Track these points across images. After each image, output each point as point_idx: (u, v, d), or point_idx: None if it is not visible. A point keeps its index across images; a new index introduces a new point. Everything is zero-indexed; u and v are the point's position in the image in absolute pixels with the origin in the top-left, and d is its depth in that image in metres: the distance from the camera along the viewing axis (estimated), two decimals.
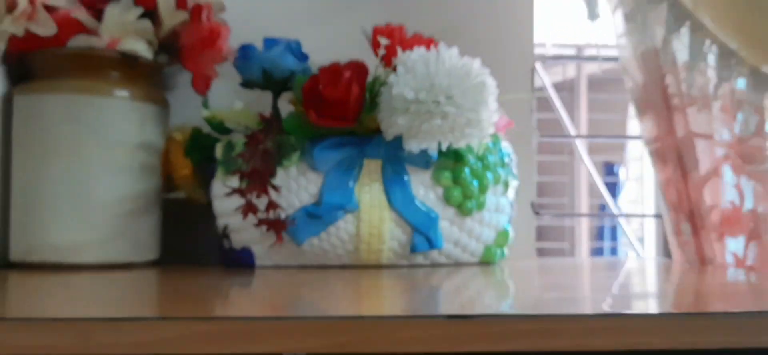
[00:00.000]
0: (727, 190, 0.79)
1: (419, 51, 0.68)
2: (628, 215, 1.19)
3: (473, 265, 0.77)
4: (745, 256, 0.78)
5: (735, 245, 0.79)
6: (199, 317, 0.41)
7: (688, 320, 0.43)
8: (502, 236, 0.78)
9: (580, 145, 1.44)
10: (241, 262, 0.74)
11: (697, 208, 0.78)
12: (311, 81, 0.69)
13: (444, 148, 0.67)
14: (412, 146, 0.67)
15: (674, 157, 0.78)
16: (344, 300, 0.55)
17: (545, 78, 1.43)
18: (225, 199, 0.71)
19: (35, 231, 0.72)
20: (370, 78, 0.71)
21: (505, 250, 0.80)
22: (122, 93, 0.75)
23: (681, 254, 0.80)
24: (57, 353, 0.37)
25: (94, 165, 0.73)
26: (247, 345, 0.38)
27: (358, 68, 0.69)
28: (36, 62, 0.75)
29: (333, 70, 0.69)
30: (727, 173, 0.79)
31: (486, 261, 0.78)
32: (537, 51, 0.94)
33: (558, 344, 0.40)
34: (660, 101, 0.78)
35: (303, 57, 0.73)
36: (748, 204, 0.78)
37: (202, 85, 0.79)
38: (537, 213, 0.91)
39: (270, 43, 0.73)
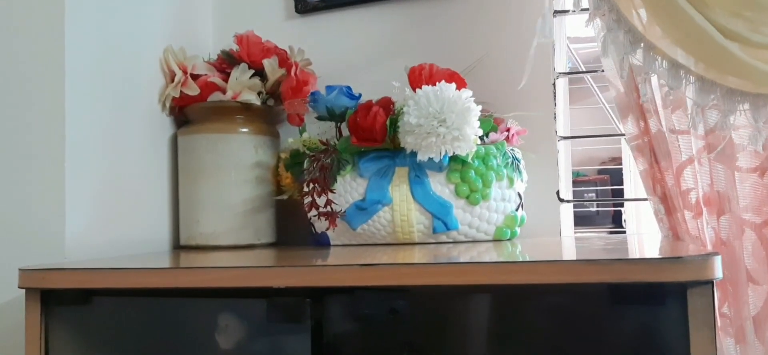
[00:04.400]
0: (703, 175, 0.95)
1: (427, 88, 0.94)
2: (634, 200, 1.32)
3: (488, 241, 1.01)
4: (718, 229, 0.93)
5: (711, 221, 0.94)
6: (285, 265, 0.70)
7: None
8: (510, 219, 1.01)
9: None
10: (322, 242, 1.05)
11: (670, 192, 0.95)
12: (354, 114, 0.99)
13: (441, 156, 0.93)
14: (421, 156, 0.94)
15: (648, 151, 0.96)
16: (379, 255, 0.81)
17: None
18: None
19: (192, 225, 1.10)
20: (398, 107, 0.99)
21: (517, 230, 1.02)
22: (244, 130, 1.11)
23: (660, 230, 0.97)
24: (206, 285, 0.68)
25: (227, 180, 1.09)
26: (324, 280, 0.65)
27: (385, 103, 0.97)
28: (189, 113, 1.13)
29: (366, 106, 0.98)
30: (704, 160, 0.95)
31: (498, 238, 1.01)
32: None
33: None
34: (635, 106, 0.96)
35: (353, 97, 1.03)
36: (718, 186, 0.93)
37: (295, 120, 1.12)
38: (561, 200, 1.11)
39: (330, 89, 1.03)
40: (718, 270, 0.57)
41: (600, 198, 3.03)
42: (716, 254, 0.58)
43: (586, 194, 3.14)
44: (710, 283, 0.58)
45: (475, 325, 0.67)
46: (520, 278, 0.61)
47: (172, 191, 1.13)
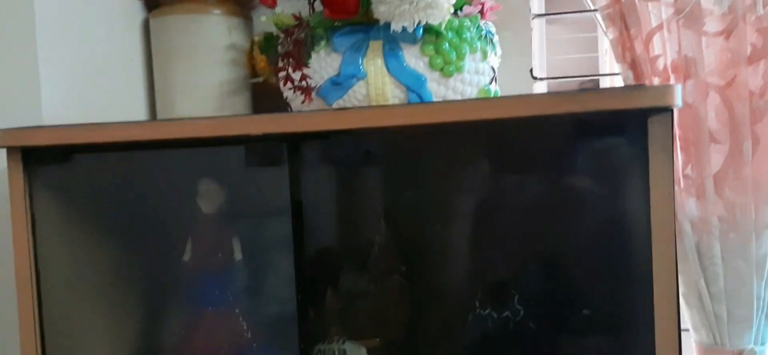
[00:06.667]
0: (672, 41, 0.97)
1: None
2: (609, 75, 1.35)
3: None
4: (684, 93, 0.96)
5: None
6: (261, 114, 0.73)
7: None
8: (484, 92, 1.02)
9: None
10: None
11: (638, 59, 0.97)
12: None
13: (414, 25, 0.94)
14: (394, 26, 0.94)
15: (619, 19, 0.97)
16: None
17: None
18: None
19: (168, 107, 1.11)
20: None
21: None
22: (216, 11, 1.10)
23: None
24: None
25: (201, 62, 1.09)
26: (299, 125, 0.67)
27: None
28: None
29: None
30: (673, 27, 0.97)
31: None
32: None
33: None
34: None
35: None
36: (686, 51, 0.95)
37: (269, 1, 1.11)
38: (535, 78, 1.13)
39: None
40: (677, 98, 0.60)
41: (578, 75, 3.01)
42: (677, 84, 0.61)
43: None
44: (670, 110, 0.61)
45: (445, 163, 0.70)
46: (489, 113, 0.63)
47: (147, 75, 1.13)
